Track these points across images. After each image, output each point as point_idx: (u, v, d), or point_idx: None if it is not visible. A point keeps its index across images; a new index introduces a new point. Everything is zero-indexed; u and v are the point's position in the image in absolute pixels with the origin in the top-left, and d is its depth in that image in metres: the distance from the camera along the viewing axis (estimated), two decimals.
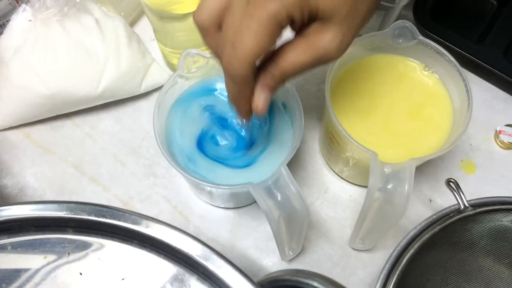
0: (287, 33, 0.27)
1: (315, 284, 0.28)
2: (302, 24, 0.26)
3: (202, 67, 0.38)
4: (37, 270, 0.27)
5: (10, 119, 0.45)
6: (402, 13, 0.50)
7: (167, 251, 0.26)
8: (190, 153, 0.37)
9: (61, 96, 0.43)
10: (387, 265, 0.33)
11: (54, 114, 0.46)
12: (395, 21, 0.38)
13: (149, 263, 0.26)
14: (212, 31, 0.27)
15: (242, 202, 0.43)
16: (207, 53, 0.36)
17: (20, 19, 0.42)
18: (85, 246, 0.27)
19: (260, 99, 0.28)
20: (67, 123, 0.47)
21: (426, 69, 0.40)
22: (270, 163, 0.36)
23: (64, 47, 0.43)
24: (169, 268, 0.26)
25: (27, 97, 0.43)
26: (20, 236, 0.27)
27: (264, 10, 0.24)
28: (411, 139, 0.38)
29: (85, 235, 0.27)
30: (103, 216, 0.26)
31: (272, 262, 0.41)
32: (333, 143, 0.39)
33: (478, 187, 0.44)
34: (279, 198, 0.31)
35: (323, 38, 0.26)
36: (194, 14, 0.27)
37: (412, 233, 0.34)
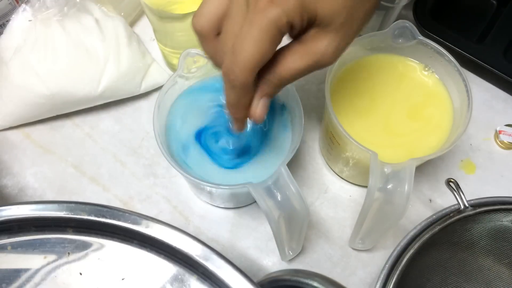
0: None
1: (315, 284, 0.28)
2: (300, 30, 0.26)
3: (202, 67, 0.38)
4: (37, 270, 0.27)
5: (10, 119, 0.45)
6: (402, 13, 0.50)
7: (167, 251, 0.26)
8: (187, 149, 0.37)
9: (61, 96, 0.43)
10: (387, 265, 0.33)
11: (54, 114, 0.46)
12: (395, 21, 0.38)
13: (149, 263, 0.26)
14: (211, 37, 0.27)
15: (242, 202, 0.43)
16: None
17: (20, 19, 0.42)
18: (85, 246, 0.27)
19: (259, 106, 0.28)
20: (67, 123, 0.47)
21: (426, 69, 0.40)
22: (269, 164, 0.37)
23: (64, 47, 0.43)
24: (169, 268, 0.26)
25: (27, 97, 0.43)
26: (20, 236, 0.27)
27: (264, 16, 0.24)
28: (411, 139, 0.38)
29: (85, 235, 0.27)
30: (103, 216, 0.26)
31: (272, 262, 0.41)
32: (333, 143, 0.39)
33: (478, 187, 0.44)
34: (279, 198, 0.31)
35: (320, 44, 0.26)
36: (192, 20, 0.27)
37: (412, 233, 0.34)
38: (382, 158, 0.33)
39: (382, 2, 0.45)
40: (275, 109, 0.39)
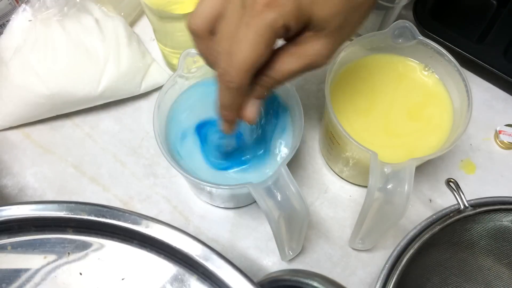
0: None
1: (315, 284, 0.28)
2: (295, 33, 0.26)
3: (202, 67, 0.38)
4: (37, 270, 0.27)
5: (10, 119, 0.45)
6: (402, 13, 0.50)
7: (167, 251, 0.26)
8: (186, 149, 0.37)
9: (61, 96, 0.43)
10: (387, 265, 0.33)
11: (54, 114, 0.46)
12: (395, 21, 0.38)
13: (149, 263, 0.26)
14: (205, 37, 0.27)
15: (242, 202, 0.43)
16: None
17: (20, 19, 0.42)
18: (85, 246, 0.27)
19: (253, 109, 0.29)
20: (67, 123, 0.47)
21: (426, 69, 0.40)
22: (269, 164, 0.37)
23: (64, 47, 0.43)
24: (169, 268, 0.26)
25: (27, 97, 0.43)
26: (20, 236, 0.27)
27: (261, 19, 0.24)
28: (411, 139, 0.38)
29: (85, 235, 0.27)
30: (103, 216, 0.26)
31: (272, 262, 0.41)
32: (333, 143, 0.39)
33: (478, 187, 0.44)
34: (279, 198, 0.31)
35: (315, 47, 0.26)
36: (188, 19, 0.27)
37: (412, 233, 0.34)
38: (382, 158, 0.33)
39: (382, 2, 0.45)
40: (275, 109, 0.39)
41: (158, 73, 0.47)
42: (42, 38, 0.42)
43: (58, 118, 0.47)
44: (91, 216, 0.26)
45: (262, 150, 0.37)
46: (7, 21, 0.45)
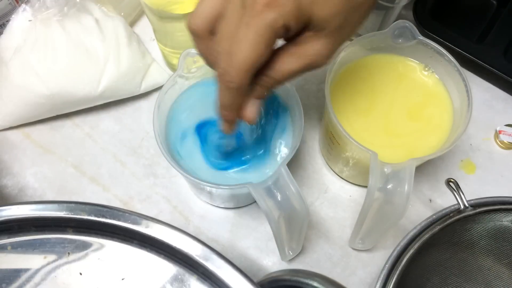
0: None
1: (315, 284, 0.28)
2: (295, 33, 0.26)
3: (202, 67, 0.38)
4: (37, 270, 0.27)
5: (10, 119, 0.45)
6: (402, 13, 0.50)
7: (167, 251, 0.26)
8: (186, 149, 0.37)
9: (61, 96, 0.43)
10: (387, 265, 0.33)
11: (54, 114, 0.46)
12: (395, 21, 0.38)
13: (149, 263, 0.26)
14: (205, 37, 0.27)
15: (242, 202, 0.43)
16: None
17: (20, 19, 0.42)
18: (85, 246, 0.27)
19: (253, 109, 0.29)
20: (67, 123, 0.47)
21: (426, 69, 0.40)
22: (269, 164, 0.37)
23: (64, 47, 0.43)
24: (169, 268, 0.26)
25: (27, 97, 0.43)
26: (20, 236, 0.27)
27: (261, 19, 0.24)
28: (411, 139, 0.38)
29: (85, 235, 0.27)
30: (103, 216, 0.26)
31: (272, 262, 0.41)
32: (333, 143, 0.39)
33: (478, 187, 0.44)
34: (279, 198, 0.31)
35: (315, 47, 0.26)
36: (188, 19, 0.27)
37: (412, 233, 0.34)
38: (382, 158, 0.33)
39: (382, 2, 0.45)
40: (275, 109, 0.39)
41: (158, 73, 0.47)
42: (42, 38, 0.42)
43: (58, 118, 0.47)
44: (91, 216, 0.26)
45: (262, 150, 0.37)
46: (7, 21, 0.45)
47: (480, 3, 0.53)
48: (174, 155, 0.36)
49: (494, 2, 0.52)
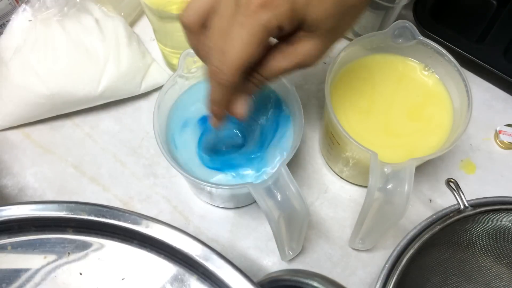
0: None
1: (315, 284, 0.28)
2: (288, 33, 0.27)
3: (202, 67, 0.38)
4: (37, 270, 0.27)
5: (10, 119, 0.45)
6: (402, 13, 0.50)
7: (167, 251, 0.26)
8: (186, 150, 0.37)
9: (61, 96, 0.43)
10: (387, 265, 0.33)
11: (54, 114, 0.46)
12: (395, 21, 0.38)
13: (149, 263, 0.26)
14: (197, 31, 0.27)
15: (242, 202, 0.43)
16: None
17: (20, 19, 0.42)
18: (85, 246, 0.27)
19: (243, 104, 0.29)
20: (67, 123, 0.47)
21: (426, 69, 0.40)
22: (269, 164, 0.37)
23: (64, 47, 0.43)
24: (169, 268, 0.26)
25: (27, 97, 0.43)
26: (20, 236, 0.27)
27: (256, 20, 0.24)
28: (411, 139, 0.38)
29: (85, 235, 0.27)
30: (103, 216, 0.26)
31: (272, 262, 0.41)
32: (333, 143, 0.39)
33: (478, 187, 0.44)
34: (279, 198, 0.31)
35: (306, 47, 0.27)
36: (180, 13, 0.27)
37: (412, 233, 0.34)
38: (382, 158, 0.33)
39: (382, 2, 0.45)
40: (275, 109, 0.39)
41: (158, 73, 0.47)
42: (42, 38, 0.42)
43: (58, 118, 0.47)
44: (91, 216, 0.26)
45: (262, 150, 0.37)
46: (7, 21, 0.45)
47: (480, 3, 0.53)
48: (173, 154, 0.36)
49: (494, 2, 0.52)
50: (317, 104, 0.48)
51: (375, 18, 0.48)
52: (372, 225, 0.36)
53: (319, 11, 0.25)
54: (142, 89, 0.47)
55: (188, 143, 0.37)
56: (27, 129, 0.46)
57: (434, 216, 0.34)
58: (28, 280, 0.26)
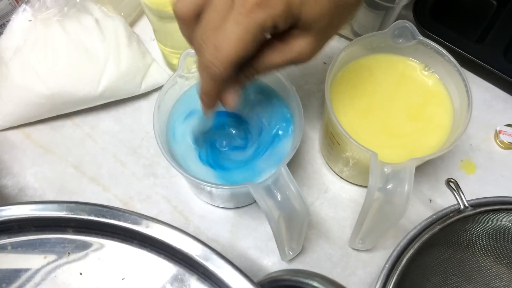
0: None
1: (315, 284, 0.28)
2: (282, 31, 0.27)
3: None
4: (37, 270, 0.27)
5: (10, 119, 0.45)
6: (402, 13, 0.50)
7: (167, 251, 0.26)
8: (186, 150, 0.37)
9: (61, 96, 0.43)
10: (387, 265, 0.33)
11: (54, 114, 0.46)
12: (395, 21, 0.38)
13: (149, 263, 0.26)
14: (190, 22, 0.27)
15: (242, 202, 0.43)
16: None
17: (20, 19, 0.42)
18: (85, 246, 0.27)
19: (234, 96, 0.30)
20: (67, 123, 0.47)
21: (426, 69, 0.40)
22: (269, 163, 0.37)
23: (64, 47, 0.43)
24: (169, 268, 0.26)
25: (27, 97, 0.43)
26: (20, 236, 0.27)
27: (251, 19, 0.24)
28: (411, 139, 0.38)
29: (85, 235, 0.27)
30: (103, 216, 0.26)
31: (272, 262, 0.41)
32: (333, 143, 0.39)
33: (478, 187, 0.44)
34: (279, 198, 0.31)
35: (300, 45, 0.28)
36: (174, 3, 0.27)
37: (412, 233, 0.34)
38: (382, 158, 0.33)
39: (382, 2, 0.45)
40: (275, 109, 0.39)
41: (158, 73, 0.47)
42: (42, 38, 0.42)
43: (58, 118, 0.47)
44: (91, 216, 0.26)
45: (262, 150, 0.37)
46: (7, 21, 0.45)
47: (480, 3, 0.53)
48: (174, 155, 0.36)
49: (494, 2, 0.52)
50: (317, 104, 0.48)
51: (375, 18, 0.48)
52: (372, 225, 0.36)
53: (314, 10, 0.26)
54: (142, 89, 0.47)
55: (188, 143, 0.37)
56: (27, 129, 0.46)
57: (434, 216, 0.34)
58: (28, 280, 0.26)
